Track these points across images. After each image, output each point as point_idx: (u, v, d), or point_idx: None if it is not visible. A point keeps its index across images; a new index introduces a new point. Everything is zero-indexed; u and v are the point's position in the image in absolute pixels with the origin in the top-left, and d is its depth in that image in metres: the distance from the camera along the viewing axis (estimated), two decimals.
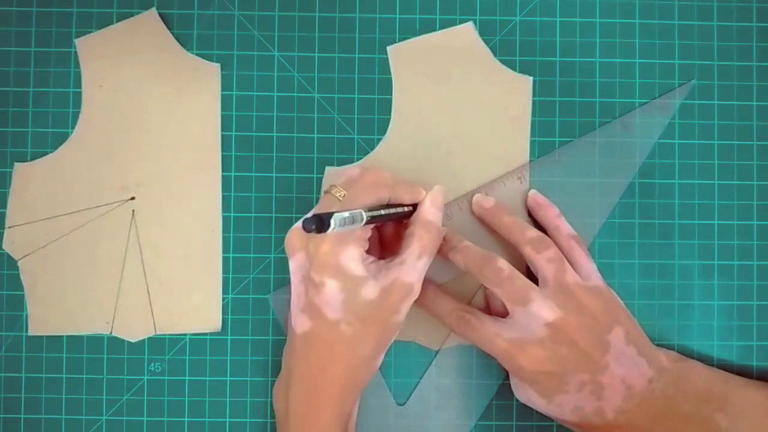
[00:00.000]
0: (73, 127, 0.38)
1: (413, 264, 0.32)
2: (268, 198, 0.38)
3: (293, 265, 0.33)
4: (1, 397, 0.37)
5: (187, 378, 0.37)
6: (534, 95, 0.38)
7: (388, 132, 0.38)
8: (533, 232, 0.35)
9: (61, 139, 0.38)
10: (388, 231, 0.36)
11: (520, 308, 0.33)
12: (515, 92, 0.38)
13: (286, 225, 0.37)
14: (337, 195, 0.32)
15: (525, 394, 0.34)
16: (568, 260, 0.34)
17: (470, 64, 0.38)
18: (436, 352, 0.37)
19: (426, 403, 0.37)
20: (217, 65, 0.38)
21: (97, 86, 0.38)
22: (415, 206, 0.35)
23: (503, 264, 0.34)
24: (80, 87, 0.38)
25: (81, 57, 0.38)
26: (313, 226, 0.27)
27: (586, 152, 0.38)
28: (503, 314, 0.34)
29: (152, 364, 0.37)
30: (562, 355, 0.32)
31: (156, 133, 0.38)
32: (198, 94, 0.38)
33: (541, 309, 0.33)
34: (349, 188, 0.32)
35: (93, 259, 0.37)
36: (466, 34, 0.38)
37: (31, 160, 0.38)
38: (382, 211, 0.32)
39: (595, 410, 0.33)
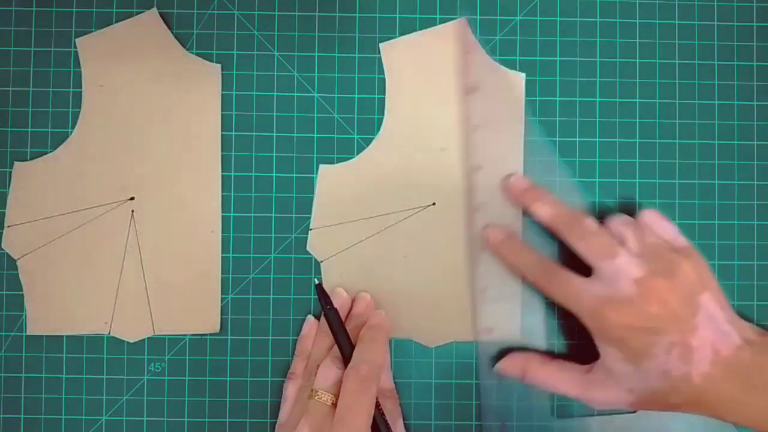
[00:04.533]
0: (72, 127, 0.38)
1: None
2: (268, 198, 0.38)
3: None
4: (1, 396, 0.37)
5: (186, 378, 0.37)
6: (535, 95, 0.38)
7: (381, 129, 0.38)
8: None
9: (60, 138, 0.38)
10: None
11: (607, 262, 0.32)
12: (508, 89, 0.38)
13: (286, 225, 0.38)
14: (325, 400, 0.32)
15: (611, 363, 0.32)
16: None
17: (463, 61, 0.38)
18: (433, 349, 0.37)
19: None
20: (218, 65, 0.38)
21: (97, 86, 0.38)
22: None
23: (591, 221, 0.34)
24: (80, 87, 0.38)
25: (81, 56, 0.38)
26: None
27: None
28: None
29: (152, 364, 0.37)
30: (651, 314, 0.31)
31: (156, 133, 0.38)
32: (198, 94, 0.38)
33: (629, 264, 0.32)
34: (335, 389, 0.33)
35: (92, 258, 0.37)
36: (459, 30, 0.38)
37: (30, 159, 0.38)
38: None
39: (683, 375, 0.31)
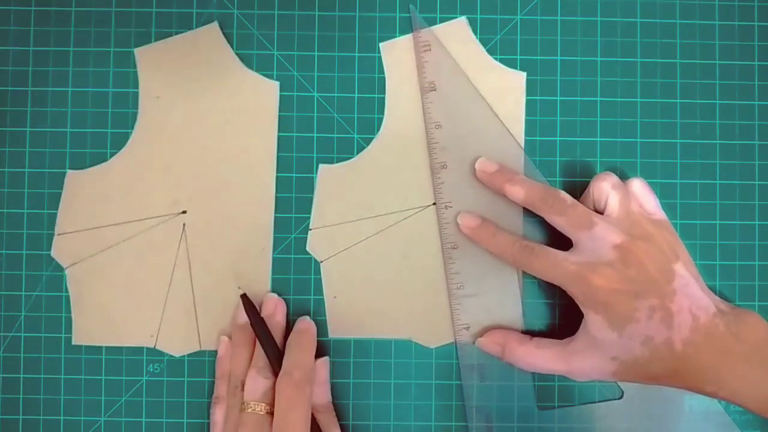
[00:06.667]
0: (128, 138, 0.37)
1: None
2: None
3: None
4: None
5: (185, 379, 0.37)
6: (536, 94, 0.38)
7: (381, 129, 0.38)
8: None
9: (115, 147, 0.37)
10: None
11: (585, 232, 0.33)
12: (508, 88, 0.38)
13: (286, 225, 0.37)
14: (259, 411, 0.33)
15: (595, 331, 0.33)
16: None
17: (463, 60, 0.38)
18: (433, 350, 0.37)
19: None
20: (276, 83, 0.37)
21: (153, 97, 0.37)
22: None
23: (565, 195, 0.34)
24: (138, 99, 0.37)
25: (139, 67, 0.37)
26: None
27: None
28: None
29: (151, 365, 0.37)
30: (631, 277, 0.32)
31: (211, 149, 0.37)
32: (255, 111, 0.37)
33: (607, 232, 0.32)
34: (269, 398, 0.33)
35: (141, 271, 0.37)
36: (458, 29, 0.38)
37: (88, 167, 0.37)
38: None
39: (665, 341, 0.32)
